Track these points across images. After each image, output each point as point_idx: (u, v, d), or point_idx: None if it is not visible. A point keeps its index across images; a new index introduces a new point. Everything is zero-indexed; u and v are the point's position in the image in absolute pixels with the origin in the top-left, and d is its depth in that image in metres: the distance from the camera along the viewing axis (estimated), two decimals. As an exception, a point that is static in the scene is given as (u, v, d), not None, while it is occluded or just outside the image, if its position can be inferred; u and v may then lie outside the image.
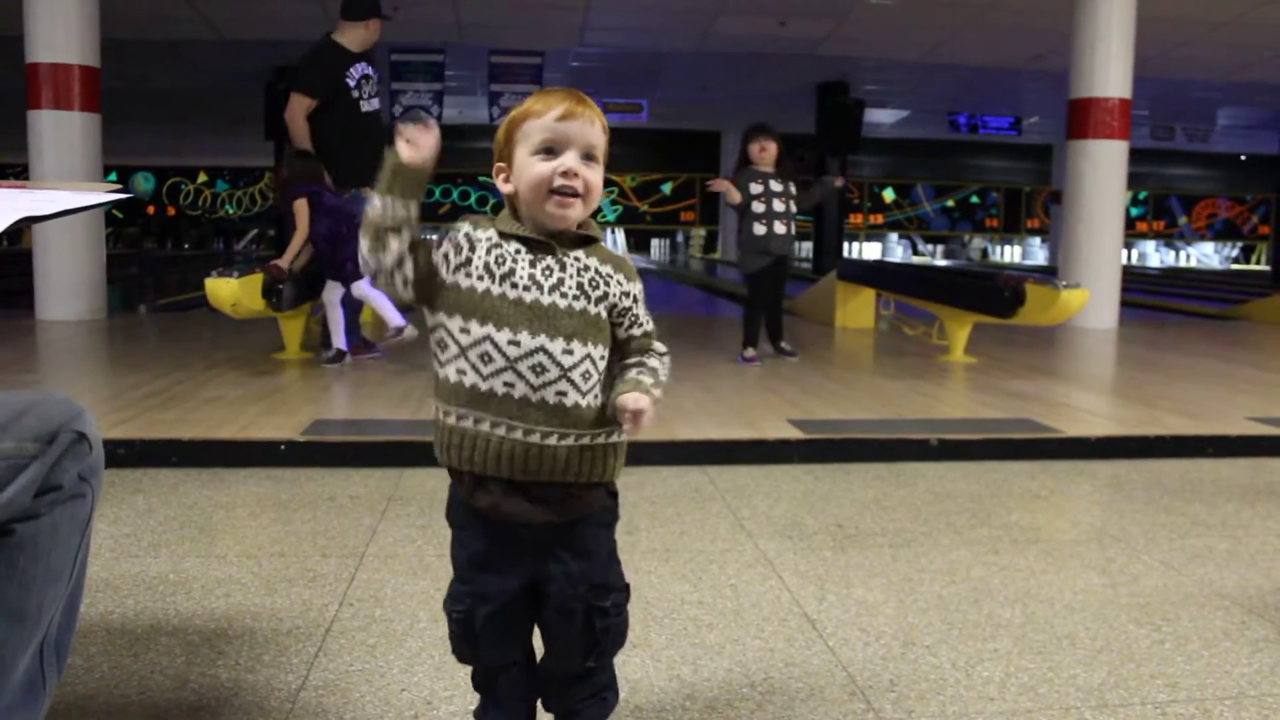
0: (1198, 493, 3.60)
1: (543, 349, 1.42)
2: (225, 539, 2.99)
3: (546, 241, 1.46)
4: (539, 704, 1.64)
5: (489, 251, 1.45)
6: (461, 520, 1.53)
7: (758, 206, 5.93)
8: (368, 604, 2.40)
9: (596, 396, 1.47)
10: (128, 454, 3.68)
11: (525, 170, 1.45)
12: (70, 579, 1.38)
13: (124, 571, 2.61)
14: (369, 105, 5.97)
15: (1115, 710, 1.92)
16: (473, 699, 1.89)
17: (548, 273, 1.44)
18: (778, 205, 5.94)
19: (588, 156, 1.46)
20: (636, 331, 1.51)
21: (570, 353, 1.43)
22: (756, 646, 2.19)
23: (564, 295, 1.44)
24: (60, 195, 1.55)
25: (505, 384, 1.42)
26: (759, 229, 5.94)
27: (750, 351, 6.09)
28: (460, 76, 15.67)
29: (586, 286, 1.45)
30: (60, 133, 8.02)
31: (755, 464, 3.86)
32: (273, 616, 2.32)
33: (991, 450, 4.05)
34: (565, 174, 1.43)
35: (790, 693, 1.97)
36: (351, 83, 5.86)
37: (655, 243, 30.97)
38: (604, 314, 1.47)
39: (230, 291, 5.24)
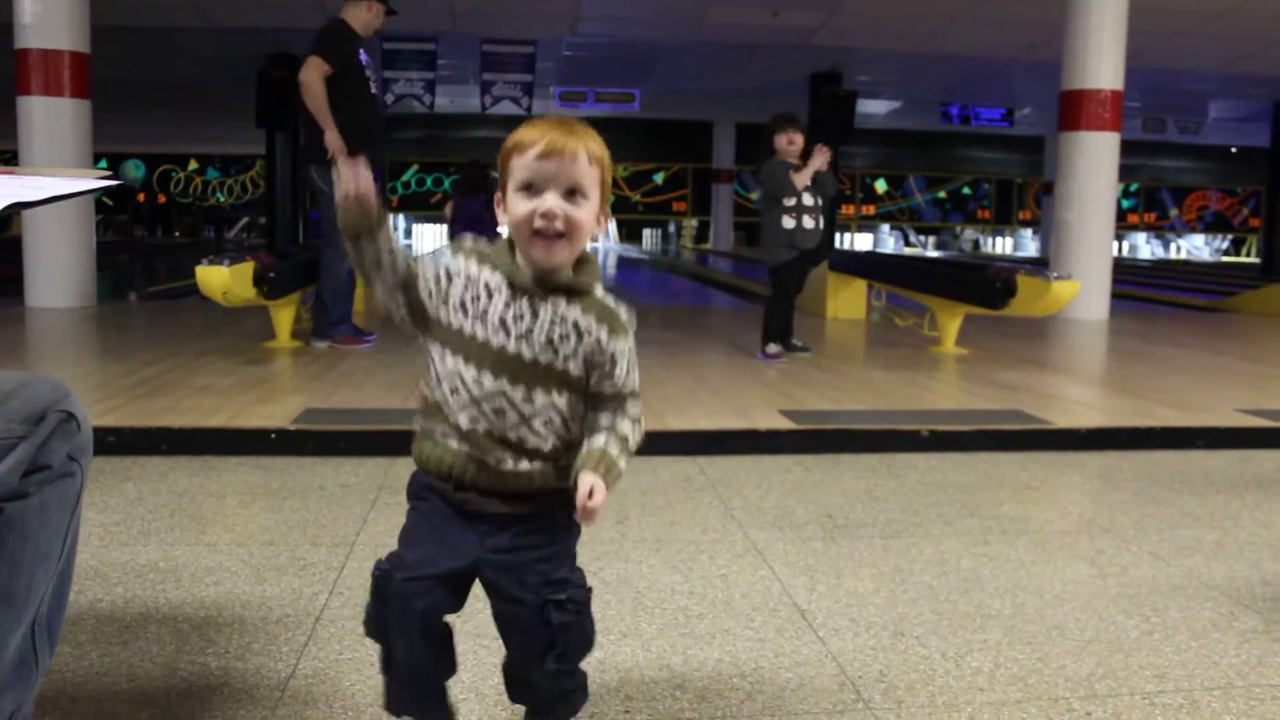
0: (1187, 484, 3.61)
1: (503, 393, 1.43)
2: (215, 527, 2.98)
3: (527, 286, 1.44)
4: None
5: (466, 288, 1.45)
6: (423, 493, 1.54)
7: (788, 200, 5.74)
8: (358, 593, 2.40)
9: (564, 439, 1.47)
10: (118, 442, 3.67)
11: (511, 208, 1.44)
12: (60, 558, 1.39)
13: (113, 559, 2.60)
14: (373, 88, 5.93)
15: (1104, 700, 1.92)
16: (461, 688, 1.89)
17: (519, 319, 1.43)
18: (807, 199, 5.76)
19: (572, 192, 1.42)
20: (606, 388, 1.47)
21: (530, 401, 1.43)
22: (747, 636, 2.20)
23: (530, 345, 1.43)
24: (50, 181, 1.55)
25: (470, 419, 1.44)
26: (788, 222, 5.75)
27: (773, 348, 5.87)
28: (452, 65, 15.63)
29: (556, 340, 1.43)
30: (50, 119, 7.98)
31: (746, 454, 3.86)
32: (263, 605, 2.32)
33: (982, 441, 4.06)
34: (545, 215, 1.41)
35: (780, 682, 1.98)
36: (364, 60, 5.82)
37: (647, 233, 30.97)
38: (574, 369, 1.45)
39: (221, 279, 5.23)
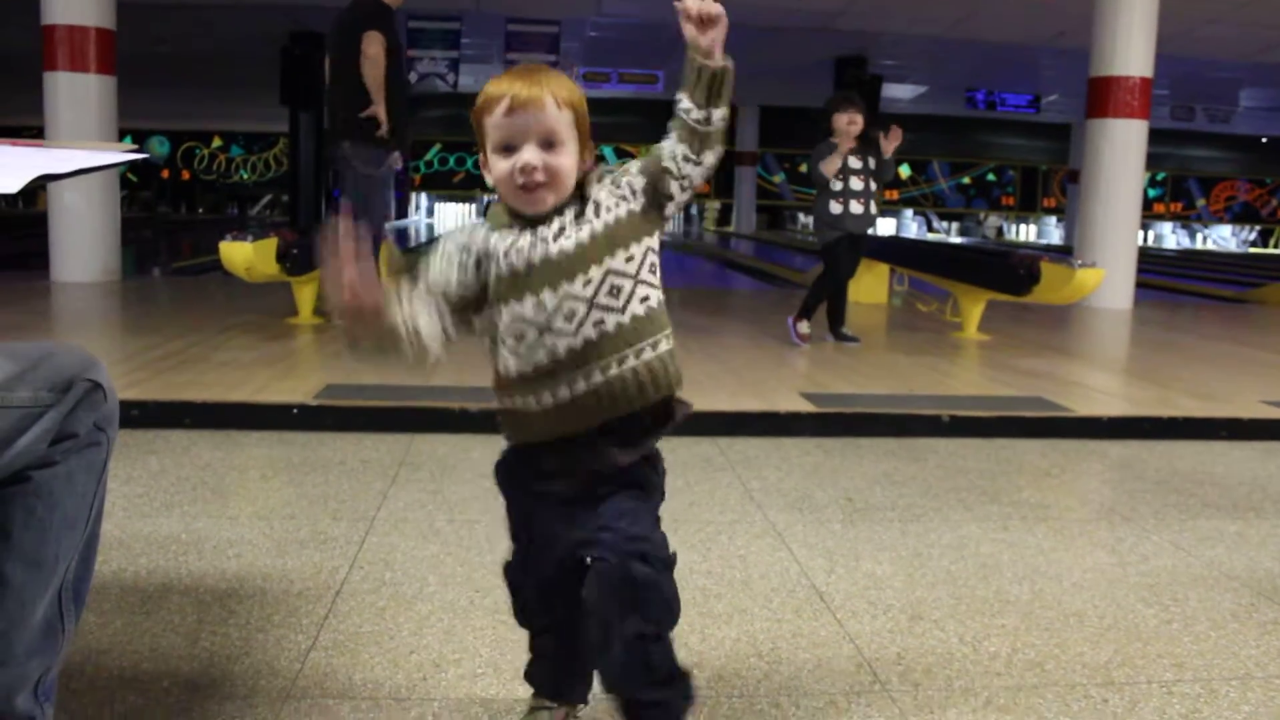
0: (1209, 475, 3.59)
1: (566, 295, 1.42)
2: (237, 500, 3.01)
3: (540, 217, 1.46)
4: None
5: (485, 240, 1.46)
6: (508, 480, 1.57)
7: (835, 184, 5.62)
8: (378, 567, 2.41)
9: (643, 300, 1.45)
10: (141, 415, 3.70)
11: (493, 168, 1.45)
12: (87, 526, 1.40)
13: (137, 531, 2.63)
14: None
15: (1121, 688, 1.92)
16: (479, 662, 1.91)
17: (556, 229, 1.44)
18: (855, 183, 5.62)
19: (549, 143, 1.42)
20: (669, 144, 1.46)
21: (590, 281, 1.43)
22: (764, 617, 2.20)
23: (568, 238, 1.43)
24: (77, 154, 1.55)
25: (547, 350, 1.43)
26: (835, 207, 5.63)
27: (804, 328, 5.73)
28: (477, 44, 15.60)
29: (593, 217, 1.45)
30: (76, 95, 8.01)
31: (766, 436, 3.86)
32: (283, 577, 2.34)
33: (1003, 428, 4.04)
34: (524, 170, 1.41)
35: (797, 663, 1.98)
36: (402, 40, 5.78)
37: (668, 215, 30.88)
38: (624, 215, 1.45)
39: (244, 255, 5.26)
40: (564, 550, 1.51)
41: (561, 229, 1.44)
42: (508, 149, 1.43)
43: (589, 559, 1.46)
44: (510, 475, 1.56)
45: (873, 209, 5.74)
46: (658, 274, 1.48)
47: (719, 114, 1.42)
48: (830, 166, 5.59)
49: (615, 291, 1.43)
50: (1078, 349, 6.56)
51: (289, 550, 2.52)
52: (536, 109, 1.41)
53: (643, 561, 1.43)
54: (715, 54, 1.40)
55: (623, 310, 1.43)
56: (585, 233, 1.44)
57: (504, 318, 1.45)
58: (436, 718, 1.71)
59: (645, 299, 1.45)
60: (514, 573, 1.61)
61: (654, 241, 1.48)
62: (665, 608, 1.48)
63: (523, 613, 1.63)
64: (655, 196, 1.46)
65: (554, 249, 1.43)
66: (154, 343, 5.08)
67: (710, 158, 1.45)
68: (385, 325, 1.39)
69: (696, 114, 1.42)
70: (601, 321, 1.43)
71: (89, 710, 1.70)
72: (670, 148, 1.45)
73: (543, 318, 1.42)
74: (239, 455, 3.45)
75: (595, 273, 1.43)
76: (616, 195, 1.46)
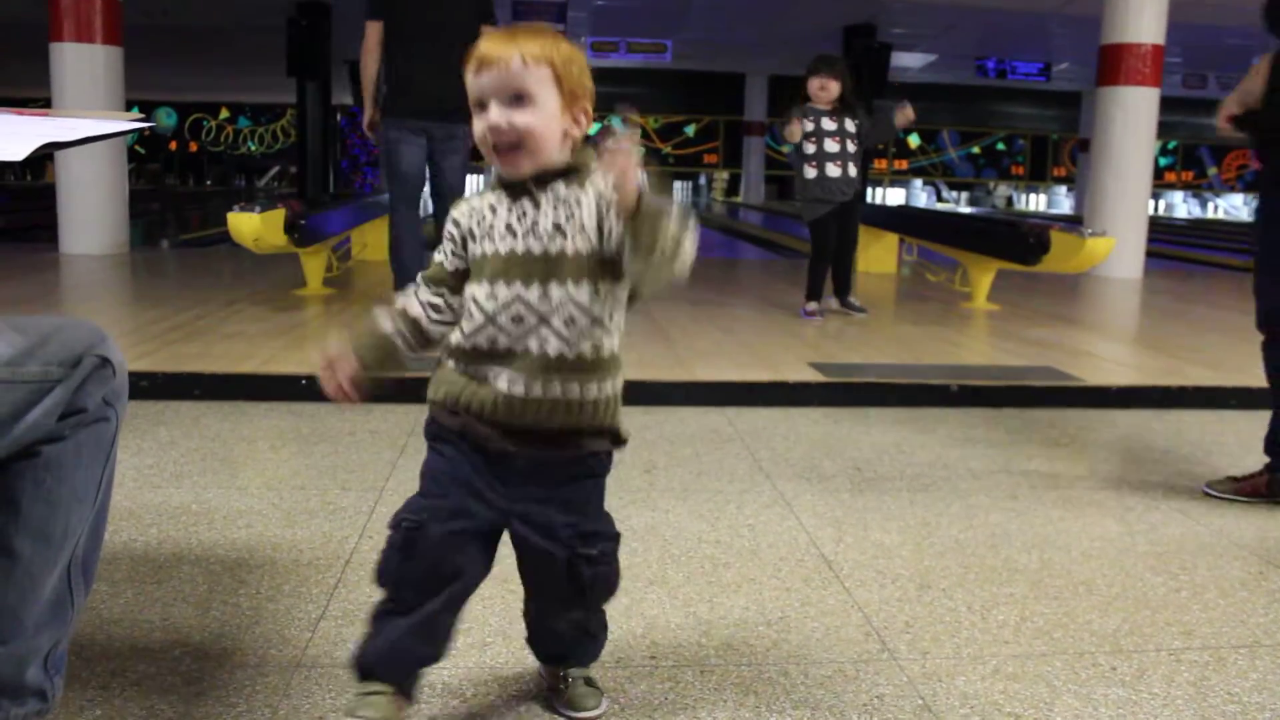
0: (1218, 444, 3.58)
1: (518, 298, 1.39)
2: (247, 471, 3.02)
3: (521, 183, 1.42)
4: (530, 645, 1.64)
5: (470, 217, 1.45)
6: (445, 435, 1.48)
7: (808, 147, 5.49)
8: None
9: (594, 346, 1.41)
10: (150, 387, 3.71)
11: (474, 129, 1.43)
12: (96, 500, 1.40)
13: (147, 501, 2.64)
14: None
15: (1129, 656, 1.92)
16: (488, 631, 1.91)
17: (521, 218, 1.41)
18: (830, 145, 5.48)
19: (518, 99, 1.37)
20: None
21: (547, 297, 1.38)
22: (773, 586, 2.20)
23: (537, 238, 1.39)
24: (83, 123, 1.55)
25: (488, 339, 1.41)
26: (809, 171, 5.52)
27: (811, 305, 5.69)
28: (483, 14, 15.49)
29: (563, 222, 1.39)
30: (82, 66, 7.98)
31: (774, 406, 3.86)
32: (293, 547, 2.34)
33: (1012, 397, 4.03)
34: (492, 129, 1.39)
35: (806, 632, 1.98)
36: None
37: (677, 185, 30.79)
38: (587, 244, 1.39)
39: (252, 226, 5.25)
40: (494, 514, 1.44)
41: (534, 224, 1.40)
42: (481, 106, 1.40)
43: (528, 540, 1.45)
44: (446, 427, 1.48)
45: (851, 171, 5.56)
46: (615, 320, 1.44)
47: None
48: (791, 133, 5.46)
49: (570, 323, 1.39)
50: (1087, 318, 6.54)
51: (299, 520, 2.53)
52: (503, 66, 1.37)
53: (592, 563, 1.46)
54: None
55: (569, 344, 1.40)
56: (558, 244, 1.39)
57: (466, 293, 1.45)
58: (446, 686, 1.71)
59: (594, 343, 1.41)
60: (418, 513, 1.46)
61: (621, 292, 1.43)
62: (608, 592, 1.53)
63: (403, 573, 1.45)
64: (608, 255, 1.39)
65: (520, 247, 1.40)
66: (163, 314, 5.09)
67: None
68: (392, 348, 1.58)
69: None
70: (545, 341, 1.39)
71: (101, 679, 1.71)
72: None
73: (491, 308, 1.40)
74: (248, 426, 3.46)
75: (556, 293, 1.38)
76: (599, 214, 1.38)
